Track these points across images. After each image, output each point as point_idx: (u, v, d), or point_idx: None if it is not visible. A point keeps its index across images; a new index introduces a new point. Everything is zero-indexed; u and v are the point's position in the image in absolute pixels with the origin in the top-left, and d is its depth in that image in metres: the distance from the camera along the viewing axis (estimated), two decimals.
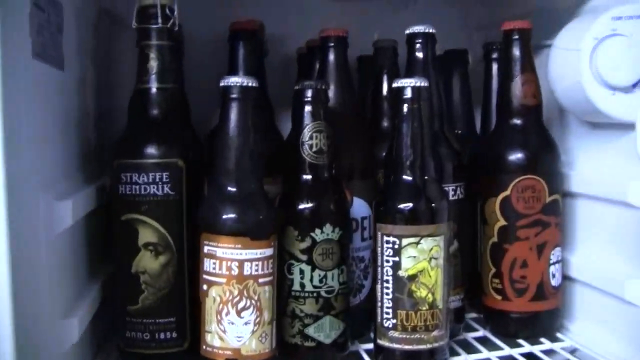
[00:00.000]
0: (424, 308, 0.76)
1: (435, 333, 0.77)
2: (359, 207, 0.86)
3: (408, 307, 0.76)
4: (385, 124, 0.94)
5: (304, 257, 0.77)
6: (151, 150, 0.78)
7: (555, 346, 0.87)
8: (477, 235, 0.92)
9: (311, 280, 0.78)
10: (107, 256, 0.81)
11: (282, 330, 0.79)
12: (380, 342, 0.79)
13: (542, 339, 0.89)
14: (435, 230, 0.76)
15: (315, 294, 0.78)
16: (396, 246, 0.76)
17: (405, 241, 0.75)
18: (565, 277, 0.93)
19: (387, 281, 0.77)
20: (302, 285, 0.78)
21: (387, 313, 0.77)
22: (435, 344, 0.78)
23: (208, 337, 0.74)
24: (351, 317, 0.83)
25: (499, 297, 0.88)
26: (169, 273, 0.78)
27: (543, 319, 0.89)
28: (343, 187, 0.81)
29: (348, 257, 0.81)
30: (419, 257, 0.76)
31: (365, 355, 0.84)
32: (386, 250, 0.77)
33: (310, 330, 0.79)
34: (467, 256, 0.90)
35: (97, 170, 0.84)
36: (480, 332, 0.92)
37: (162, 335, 0.79)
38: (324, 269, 0.78)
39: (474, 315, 0.97)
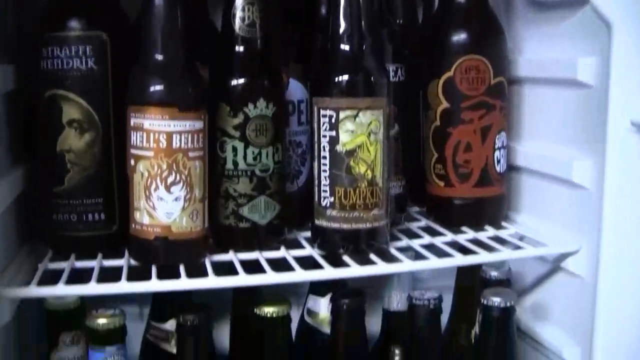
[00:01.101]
0: (363, 185, 0.76)
1: (375, 212, 0.77)
2: (296, 90, 0.86)
3: (346, 184, 0.76)
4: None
5: (236, 134, 0.77)
6: (73, 22, 0.76)
7: (501, 233, 0.88)
8: (419, 124, 0.91)
9: (244, 157, 0.77)
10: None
11: (216, 212, 0.78)
12: (318, 222, 0.79)
13: (487, 227, 0.89)
14: (374, 103, 0.76)
15: (249, 173, 0.77)
16: (333, 120, 0.75)
17: (342, 114, 0.75)
18: (512, 168, 0.93)
19: (324, 157, 0.77)
20: (235, 164, 0.77)
21: (325, 191, 0.77)
22: (375, 224, 0.78)
23: (137, 215, 0.73)
24: (289, 205, 0.83)
25: (442, 184, 0.89)
26: (95, 151, 0.77)
27: (488, 206, 0.90)
28: (278, 64, 0.80)
29: (283, 136, 0.81)
30: (356, 131, 0.75)
31: (304, 242, 0.83)
32: (323, 125, 0.76)
33: (245, 211, 0.78)
34: (408, 145, 0.90)
35: (15, 50, 0.81)
36: (423, 223, 0.93)
37: (89, 217, 0.78)
38: (258, 145, 0.77)
39: (416, 209, 0.97)
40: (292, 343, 0.81)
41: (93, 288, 0.70)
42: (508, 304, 0.79)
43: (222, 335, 0.93)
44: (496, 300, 0.79)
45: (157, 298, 0.88)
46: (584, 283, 0.83)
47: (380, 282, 0.92)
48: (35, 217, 0.80)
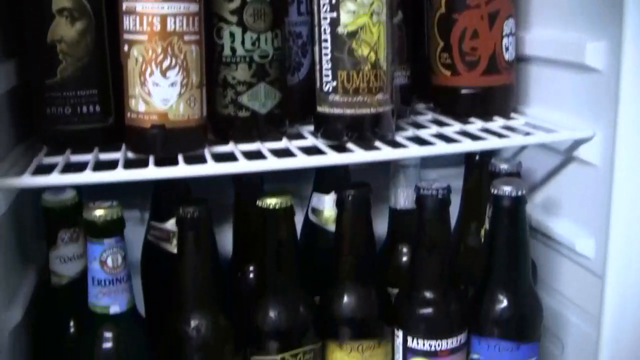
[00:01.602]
0: (367, 68, 0.74)
1: (379, 97, 0.75)
2: None
3: (349, 67, 0.74)
4: None
5: (233, 19, 0.74)
6: None
7: (511, 123, 0.85)
8: (422, 12, 0.88)
9: (242, 43, 0.75)
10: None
11: (214, 101, 0.76)
12: (320, 109, 0.77)
13: (496, 118, 0.86)
14: None
15: (247, 59, 0.75)
16: (334, 1, 0.72)
17: None
18: (520, 59, 0.90)
19: (326, 40, 0.74)
20: (233, 50, 0.75)
21: (327, 75, 0.75)
22: (380, 109, 0.75)
23: (132, 103, 0.71)
24: (290, 96, 0.81)
25: (448, 73, 0.86)
26: (87, 41, 0.75)
27: (496, 95, 0.87)
28: None
29: (283, 22, 0.78)
30: (358, 12, 0.73)
31: (306, 134, 0.81)
32: (323, 7, 0.74)
33: (244, 99, 0.76)
34: (412, 35, 0.87)
35: None
36: (429, 116, 0.91)
37: (84, 109, 0.76)
38: (256, 30, 0.74)
39: (422, 105, 0.94)
40: (296, 238, 0.78)
41: (88, 176, 0.68)
42: (519, 193, 0.77)
43: (224, 239, 0.91)
44: (507, 189, 0.77)
45: (157, 198, 0.86)
46: (598, 172, 0.80)
47: (386, 182, 0.89)
48: (28, 113, 0.76)
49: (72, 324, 0.79)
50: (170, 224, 0.83)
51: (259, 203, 0.75)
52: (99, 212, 0.70)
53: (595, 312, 0.81)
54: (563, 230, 0.87)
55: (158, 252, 0.85)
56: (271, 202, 0.75)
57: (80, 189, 0.79)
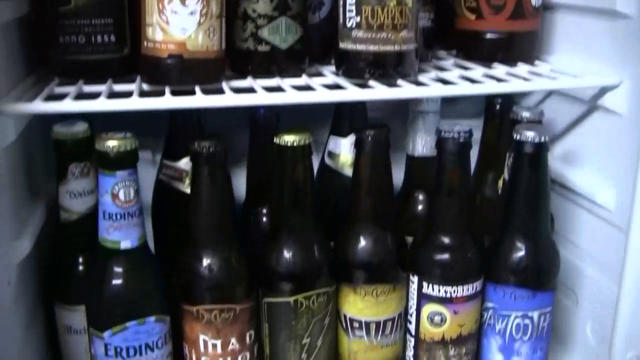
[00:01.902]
0: (392, 3, 0.72)
1: (403, 34, 0.73)
2: None
3: (374, 2, 0.72)
4: None
5: None
6: None
7: (535, 69, 0.83)
8: None
9: None
10: None
11: (233, 35, 0.73)
12: (342, 46, 0.75)
13: (520, 64, 0.84)
14: None
15: None
16: None
17: None
18: (546, 7, 0.88)
19: None
20: None
21: (350, 10, 0.73)
22: (404, 47, 0.73)
23: (149, 31, 0.69)
24: (310, 34, 0.79)
25: (472, 17, 0.84)
26: None
27: (521, 41, 0.85)
28: None
29: None
30: None
31: (326, 72, 0.79)
32: None
33: (264, 33, 0.74)
34: None
35: None
36: (452, 61, 0.89)
37: (98, 39, 0.73)
38: None
39: (444, 53, 0.92)
40: (313, 178, 0.76)
41: (102, 104, 0.66)
42: (542, 139, 0.76)
43: (237, 184, 0.89)
44: (530, 135, 0.75)
45: (171, 136, 0.84)
46: (623, 121, 0.79)
47: (403, 131, 0.88)
48: (40, 42, 0.74)
49: (81, 260, 0.77)
50: (184, 163, 0.82)
51: (276, 140, 0.73)
52: (112, 143, 0.68)
53: (614, 265, 0.79)
54: (583, 181, 0.85)
55: (170, 192, 0.84)
56: (289, 139, 0.73)
57: (91, 123, 0.76)
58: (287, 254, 0.75)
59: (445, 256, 0.79)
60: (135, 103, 0.66)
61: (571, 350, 0.90)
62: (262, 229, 0.84)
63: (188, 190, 0.80)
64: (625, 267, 0.71)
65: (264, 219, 0.85)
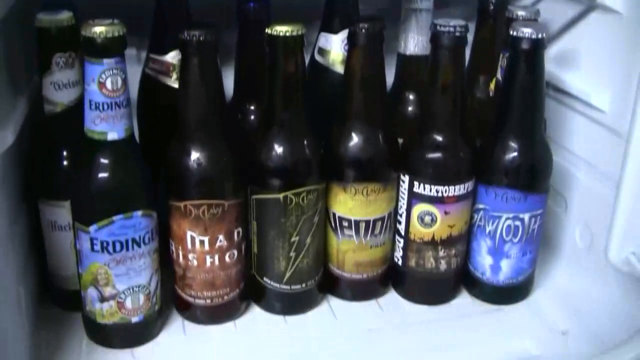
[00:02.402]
0: None
1: None
2: None
3: None
4: None
5: None
6: None
7: None
8: None
9: None
10: None
11: None
12: None
13: None
14: None
15: None
16: None
17: None
18: None
19: None
20: None
21: None
22: None
23: None
24: None
25: None
26: None
27: None
28: None
29: None
30: None
31: None
32: None
33: None
34: None
35: None
36: None
37: None
38: None
39: None
40: (305, 72, 0.74)
41: None
42: (540, 36, 0.74)
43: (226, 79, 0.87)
44: (527, 31, 0.73)
45: (157, 28, 0.81)
46: (622, 19, 0.76)
47: (395, 32, 0.86)
48: None
49: (66, 153, 0.75)
50: (171, 57, 0.79)
51: (268, 31, 0.71)
52: (99, 29, 0.65)
53: (607, 168, 0.79)
54: (578, 83, 0.84)
55: (157, 87, 0.81)
56: (282, 29, 0.70)
57: (75, 12, 0.73)
58: (277, 149, 0.74)
59: (437, 155, 0.78)
60: None
61: (559, 256, 0.90)
62: (250, 126, 0.82)
63: (175, 85, 0.78)
64: (625, 169, 0.69)
65: (252, 116, 0.83)
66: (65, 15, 0.73)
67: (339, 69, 0.83)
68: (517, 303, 0.86)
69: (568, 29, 0.86)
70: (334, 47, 0.84)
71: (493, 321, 0.83)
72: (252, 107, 0.83)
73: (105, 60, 0.66)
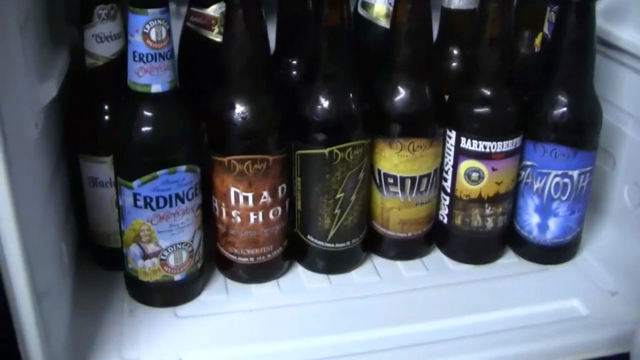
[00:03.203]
0: None
1: None
2: None
3: None
4: None
5: None
6: None
7: None
8: None
9: None
10: None
11: None
12: None
13: None
14: None
15: None
16: None
17: None
18: None
19: None
20: None
21: None
22: None
23: None
24: None
25: None
26: None
27: None
28: None
29: None
30: None
31: None
32: None
33: None
34: None
35: None
36: None
37: None
38: None
39: None
40: (351, 24, 0.72)
41: None
42: None
43: None
44: None
45: None
46: None
47: None
48: None
49: (108, 108, 0.73)
50: (213, 9, 0.77)
51: None
52: None
53: None
54: (627, 36, 0.81)
55: (199, 41, 0.79)
56: None
57: None
58: (323, 103, 0.72)
59: (485, 109, 0.75)
60: None
61: (606, 216, 0.88)
62: (293, 80, 0.80)
63: (218, 39, 0.75)
64: None
65: (295, 70, 0.80)
66: None
67: (383, 22, 0.81)
68: (564, 263, 0.82)
69: None
70: (378, 0, 0.81)
71: (540, 281, 0.81)
72: (295, 61, 0.81)
73: (150, 10, 0.64)
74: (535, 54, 0.85)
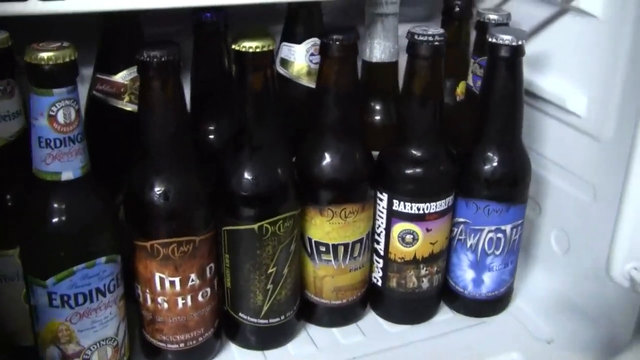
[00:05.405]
0: None
1: None
2: None
3: None
4: None
5: None
6: None
7: None
8: None
9: None
10: None
11: None
12: None
13: None
14: None
15: None
16: None
17: None
18: None
19: None
20: None
21: None
22: None
23: None
24: None
25: None
26: None
27: None
28: None
29: None
30: None
31: None
32: None
33: None
34: None
35: None
36: None
37: None
38: None
39: None
40: (276, 89, 0.64)
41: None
42: (519, 42, 0.66)
43: None
44: (506, 38, 0.65)
45: (106, 46, 0.68)
46: (599, 23, 0.69)
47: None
48: None
49: (9, 196, 0.61)
50: (122, 76, 0.67)
51: (235, 47, 0.60)
52: (47, 54, 0.53)
53: (584, 171, 0.74)
54: (552, 87, 0.76)
55: (107, 110, 0.68)
56: (250, 45, 0.59)
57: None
58: (252, 175, 0.63)
59: (419, 170, 0.69)
60: (68, 5, 0.50)
61: (535, 263, 0.84)
62: (210, 148, 0.71)
63: (128, 108, 0.66)
64: (631, 174, 0.62)
65: (212, 136, 0.71)
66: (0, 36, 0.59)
67: (305, 81, 0.73)
68: (499, 314, 0.77)
69: (539, 31, 0.78)
70: (298, 58, 0.74)
71: (479, 335, 0.76)
72: (213, 128, 0.71)
73: (56, 91, 0.54)
74: (458, 103, 0.79)
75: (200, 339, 0.68)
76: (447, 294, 0.78)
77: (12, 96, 0.61)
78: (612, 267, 0.61)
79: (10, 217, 0.61)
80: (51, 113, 0.54)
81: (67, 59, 0.54)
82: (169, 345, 0.67)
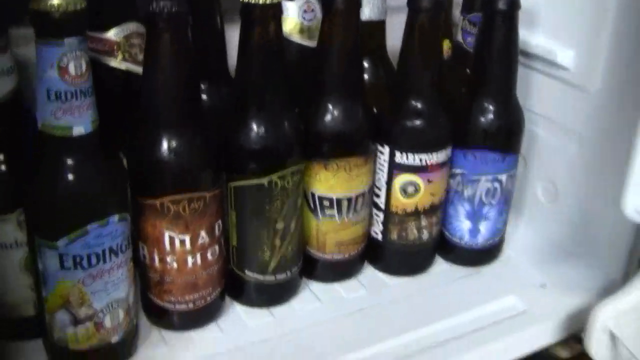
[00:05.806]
0: None
1: None
2: None
3: None
4: None
5: None
6: None
7: None
8: None
9: None
10: None
11: None
12: None
13: None
14: None
15: None
16: None
17: None
18: None
19: None
20: None
21: None
22: None
23: None
24: None
25: None
26: None
27: None
28: None
29: None
30: None
31: None
32: None
33: None
34: None
35: None
36: None
37: None
38: None
39: None
40: (283, 46, 0.62)
41: None
42: None
43: None
44: None
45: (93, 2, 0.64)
46: None
47: None
48: None
49: (3, 157, 0.58)
50: (114, 33, 0.64)
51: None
52: (56, 1, 0.50)
53: (570, 124, 0.76)
54: (540, 42, 0.77)
55: (99, 70, 0.65)
56: None
57: None
58: (261, 129, 0.62)
59: (420, 122, 0.68)
60: None
61: (521, 214, 0.86)
62: (215, 106, 0.69)
63: (122, 67, 0.63)
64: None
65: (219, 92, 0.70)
66: None
67: (297, 38, 0.72)
68: (492, 263, 0.78)
69: None
70: (290, 14, 0.72)
71: (475, 284, 0.77)
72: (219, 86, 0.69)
73: (67, 40, 0.51)
74: (446, 61, 0.79)
75: (208, 298, 0.66)
76: (443, 247, 0.78)
77: (6, 52, 0.57)
78: (626, 204, 0.62)
79: (10, 180, 0.57)
80: (62, 64, 0.51)
81: (79, 7, 0.51)
82: (178, 306, 0.65)
